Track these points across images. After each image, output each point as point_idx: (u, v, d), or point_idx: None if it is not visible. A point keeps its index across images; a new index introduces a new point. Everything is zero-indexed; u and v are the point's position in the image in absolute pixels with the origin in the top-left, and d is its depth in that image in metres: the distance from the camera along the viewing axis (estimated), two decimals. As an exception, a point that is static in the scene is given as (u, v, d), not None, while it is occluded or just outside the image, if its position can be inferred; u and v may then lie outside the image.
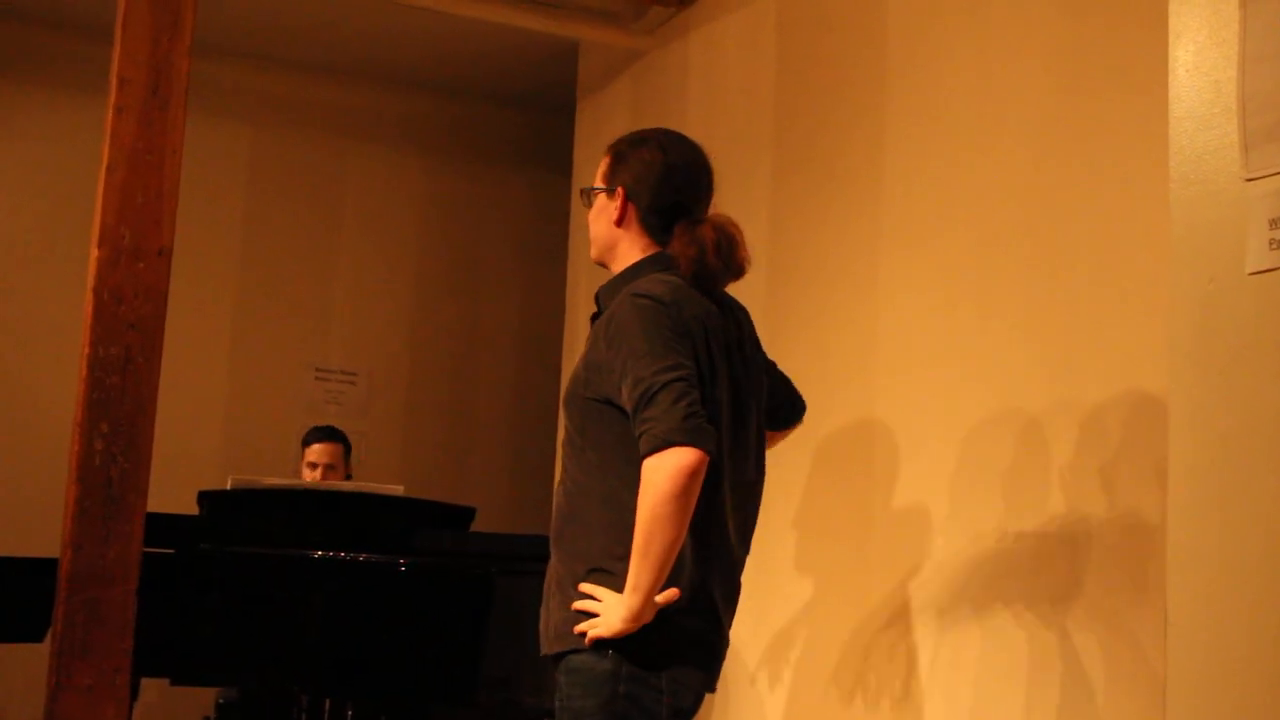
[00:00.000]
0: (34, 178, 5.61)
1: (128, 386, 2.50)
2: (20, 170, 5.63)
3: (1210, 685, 1.78)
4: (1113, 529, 2.88)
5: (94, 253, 2.51)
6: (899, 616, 3.45)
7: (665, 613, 2.24)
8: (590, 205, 2.55)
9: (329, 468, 4.75)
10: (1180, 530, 1.85)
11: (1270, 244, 1.75)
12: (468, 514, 3.94)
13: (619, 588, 2.23)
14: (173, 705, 4.92)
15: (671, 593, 2.25)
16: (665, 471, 2.17)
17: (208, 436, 5.71)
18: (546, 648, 2.36)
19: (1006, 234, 3.25)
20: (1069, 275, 3.06)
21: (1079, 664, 2.92)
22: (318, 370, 6.02)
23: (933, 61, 3.57)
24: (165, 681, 3.47)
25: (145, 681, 3.56)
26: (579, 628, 2.27)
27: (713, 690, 2.38)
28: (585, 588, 2.28)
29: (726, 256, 2.41)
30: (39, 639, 3.62)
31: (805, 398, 2.78)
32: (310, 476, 4.72)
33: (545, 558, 2.42)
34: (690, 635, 2.31)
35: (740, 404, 2.42)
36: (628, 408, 2.25)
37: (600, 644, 2.25)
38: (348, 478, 4.87)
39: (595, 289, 2.54)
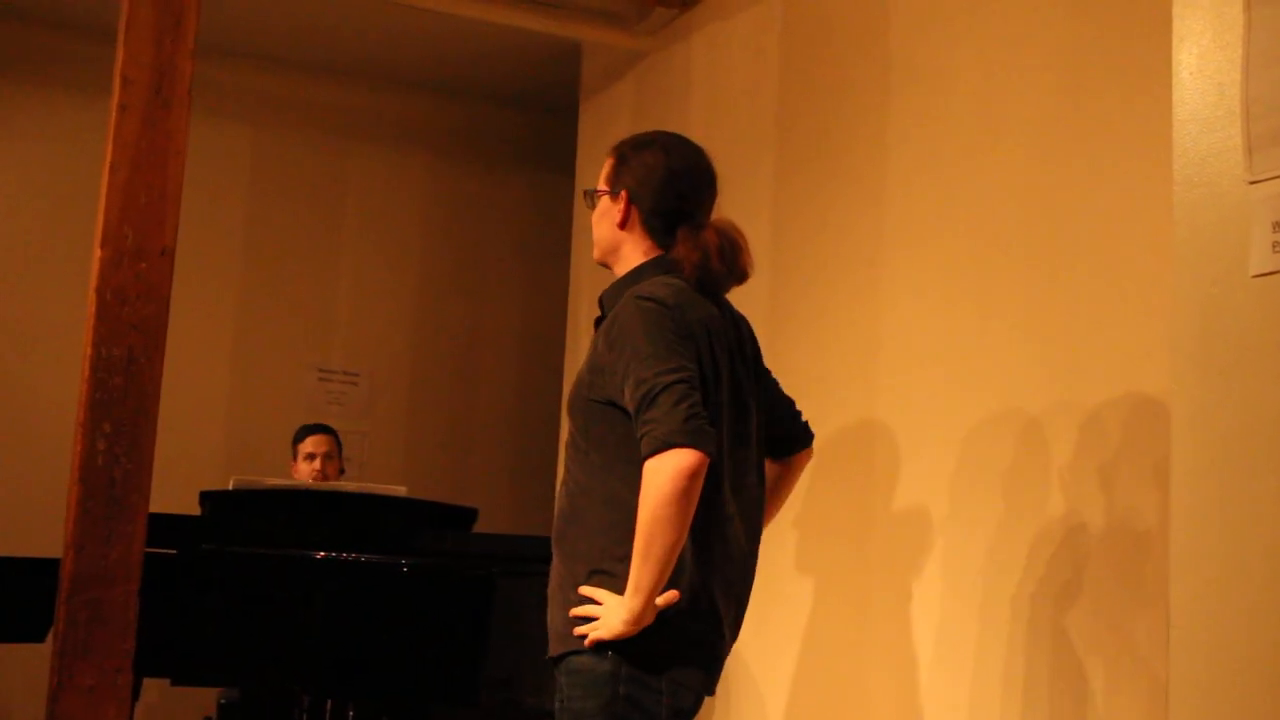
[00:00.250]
0: (36, 178, 5.61)
1: (130, 387, 2.50)
2: (22, 170, 5.63)
3: (1213, 687, 1.78)
4: (1113, 529, 2.88)
5: (97, 253, 2.51)
6: (899, 616, 3.45)
7: (665, 615, 2.24)
8: (594, 207, 2.55)
9: (326, 457, 4.73)
10: (1182, 532, 1.85)
11: (1274, 247, 1.75)
12: (470, 515, 3.95)
13: (620, 589, 2.23)
14: (174, 705, 4.93)
15: (671, 595, 2.25)
16: (666, 473, 2.17)
17: (210, 437, 5.71)
18: (551, 649, 2.37)
19: (1008, 235, 3.25)
20: (1070, 277, 3.06)
21: (1079, 664, 2.92)
22: (320, 371, 6.01)
23: (935, 63, 3.57)
24: (166, 682, 3.47)
25: (147, 682, 3.57)
26: (579, 630, 2.27)
27: (712, 693, 2.38)
28: (585, 590, 2.29)
29: (730, 261, 2.41)
30: (40, 639, 3.63)
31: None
32: (309, 468, 4.70)
33: (547, 559, 2.42)
34: (690, 637, 2.31)
35: (741, 406, 2.42)
36: (630, 409, 2.25)
37: (600, 645, 2.25)
38: (342, 470, 4.86)
39: (598, 290, 2.54)
